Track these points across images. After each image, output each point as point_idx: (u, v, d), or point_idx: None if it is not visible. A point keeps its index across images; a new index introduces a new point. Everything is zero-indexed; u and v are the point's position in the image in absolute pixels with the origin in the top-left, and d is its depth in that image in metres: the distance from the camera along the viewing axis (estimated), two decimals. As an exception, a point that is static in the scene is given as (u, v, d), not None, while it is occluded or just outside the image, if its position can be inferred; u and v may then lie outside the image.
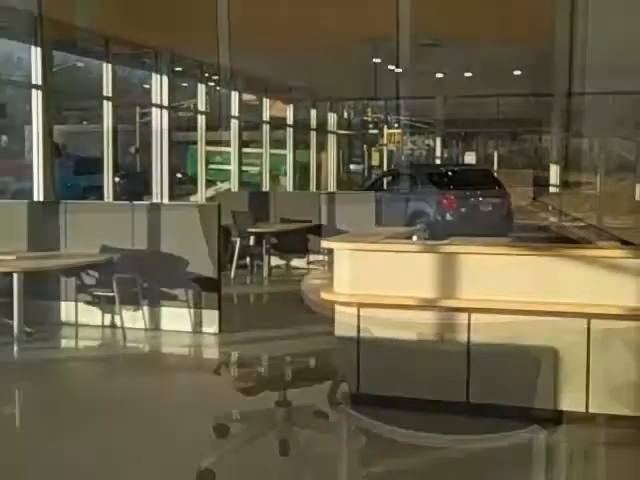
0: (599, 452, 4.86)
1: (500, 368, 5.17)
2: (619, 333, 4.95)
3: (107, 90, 12.58)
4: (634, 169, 20.48)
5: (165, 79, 13.89)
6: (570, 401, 5.05)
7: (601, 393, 5.00)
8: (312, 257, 13.10)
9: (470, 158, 24.87)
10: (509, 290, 5.12)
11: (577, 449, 4.86)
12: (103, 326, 8.15)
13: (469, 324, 5.18)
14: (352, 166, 25.46)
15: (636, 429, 4.92)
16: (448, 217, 15.85)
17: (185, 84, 17.68)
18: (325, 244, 5.69)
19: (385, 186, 18.15)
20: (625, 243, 5.57)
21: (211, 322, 7.91)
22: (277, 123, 19.27)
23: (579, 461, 4.82)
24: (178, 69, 15.53)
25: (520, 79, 16.24)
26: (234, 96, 16.53)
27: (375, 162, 23.43)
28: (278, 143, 19.49)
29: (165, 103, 13.92)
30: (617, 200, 22.55)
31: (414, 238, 8.30)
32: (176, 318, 7.96)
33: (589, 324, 4.97)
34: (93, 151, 14.77)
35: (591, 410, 5.01)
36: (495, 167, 20.43)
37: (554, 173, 19.65)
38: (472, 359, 5.19)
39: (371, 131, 23.61)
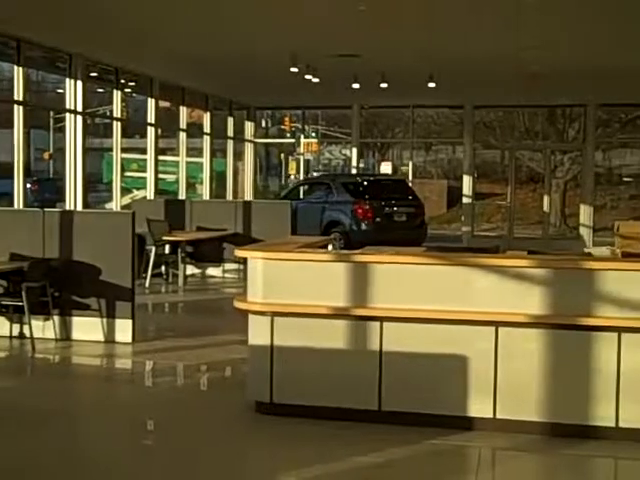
0: (506, 457, 4.97)
1: (412, 376, 5.24)
2: (525, 340, 5.08)
3: (18, 94, 12.29)
4: (542, 180, 21.00)
5: (80, 84, 13.65)
6: (479, 407, 5.15)
7: (508, 399, 5.12)
8: (227, 266, 13.07)
9: (386, 168, 25.16)
10: (421, 299, 5.20)
11: (485, 454, 4.97)
12: (11, 337, 7.96)
13: (381, 333, 5.25)
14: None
15: (540, 434, 5.05)
16: (363, 227, 15.99)
17: (101, 90, 17.42)
18: (239, 253, 5.68)
19: (301, 195, 18.23)
20: (531, 253, 5.71)
21: (124, 331, 7.81)
22: (194, 131, 19.15)
23: (487, 466, 4.92)
24: (93, 74, 15.28)
25: (434, 91, 16.50)
26: (150, 103, 16.34)
27: (292, 171, 23.47)
28: (195, 151, 19.37)
29: (79, 109, 13.67)
30: (527, 211, 23.15)
31: (329, 247, 8.37)
32: (88, 328, 7.82)
33: (497, 332, 5.10)
34: (3, 156, 14.41)
35: (499, 416, 5.12)
36: (410, 177, 20.67)
37: (467, 184, 20.01)
38: (384, 367, 5.25)
39: (288, 140, 23.67)
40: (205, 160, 19.02)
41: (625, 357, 4.92)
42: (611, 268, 5.02)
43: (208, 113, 18.91)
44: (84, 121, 13.92)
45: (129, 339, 7.80)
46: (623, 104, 20.34)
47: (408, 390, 5.26)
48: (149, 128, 16.39)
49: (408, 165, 21.43)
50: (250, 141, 21.58)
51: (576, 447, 4.94)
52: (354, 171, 20.65)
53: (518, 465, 4.85)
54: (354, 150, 20.98)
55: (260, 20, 11.31)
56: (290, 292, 5.37)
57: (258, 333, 5.46)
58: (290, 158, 23.67)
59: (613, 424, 4.97)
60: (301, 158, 22.57)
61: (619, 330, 4.92)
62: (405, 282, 5.26)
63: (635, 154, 23.17)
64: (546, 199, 20.25)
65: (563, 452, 4.91)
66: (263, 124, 24.34)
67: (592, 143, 19.43)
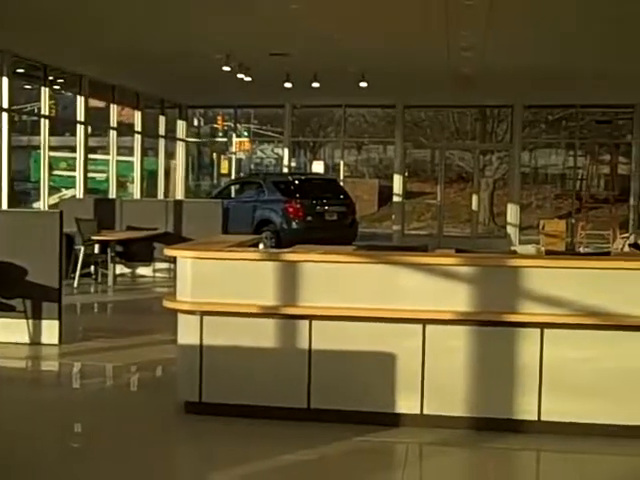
0: (433, 452, 5.05)
1: (341, 374, 5.28)
2: (452, 337, 5.17)
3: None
4: (471, 179, 21.33)
5: (5, 80, 13.37)
6: (407, 404, 5.22)
7: (435, 395, 5.20)
8: (158, 265, 12.97)
9: (318, 167, 25.24)
10: (350, 297, 5.25)
11: (412, 450, 5.04)
12: None
13: (310, 331, 5.28)
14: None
15: (467, 429, 5.15)
16: (294, 225, 16.03)
17: (29, 86, 17.08)
18: (168, 252, 5.65)
19: (233, 194, 18.18)
20: (459, 251, 5.80)
21: (51, 333, 7.67)
22: (125, 129, 18.93)
23: (415, 461, 4.99)
24: (20, 71, 14.98)
25: (366, 90, 16.63)
26: (80, 101, 16.09)
27: (224, 170, 23.38)
28: (126, 150, 19.15)
29: (5, 105, 13.39)
30: (456, 209, 23.49)
31: (260, 246, 8.37)
32: (13, 329, 7.66)
33: (424, 329, 5.17)
34: None
35: (426, 412, 5.20)
36: (341, 176, 20.79)
37: (397, 183, 20.21)
38: (313, 365, 5.28)
39: (220, 139, 23.57)
40: (136, 159, 18.82)
41: (547, 352, 5.05)
42: (534, 265, 5.14)
43: (139, 111, 18.71)
44: (10, 118, 13.64)
45: (56, 341, 7.67)
46: (548, 105, 20.82)
47: (337, 388, 5.29)
48: (78, 126, 16.15)
49: (340, 164, 21.53)
50: (182, 140, 21.42)
51: (501, 441, 5.04)
52: (286, 170, 20.67)
53: (445, 460, 4.92)
54: (286, 149, 21.01)
55: (192, 18, 11.25)
56: (219, 291, 5.36)
57: (187, 332, 5.44)
58: (222, 157, 23.58)
59: (536, 417, 5.09)
60: (233, 157, 22.50)
61: (542, 326, 5.04)
62: (334, 281, 5.30)
63: (560, 154, 23.71)
64: (475, 198, 20.58)
65: (489, 446, 5.00)
66: (195, 123, 24.19)
67: (519, 143, 19.82)
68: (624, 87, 16.85)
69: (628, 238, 16.43)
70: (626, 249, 15.70)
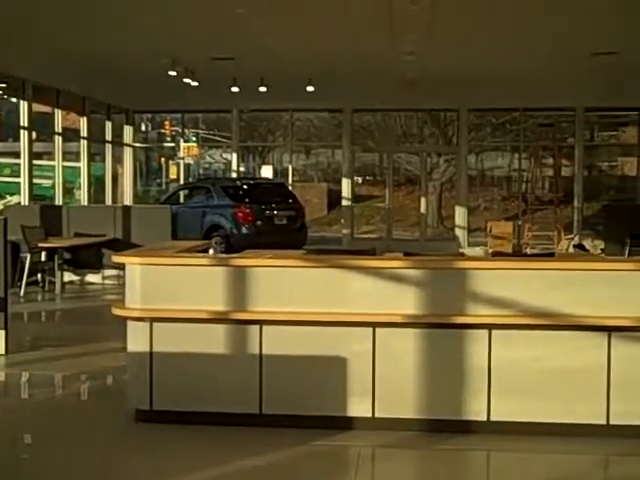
0: (385, 455, 5.08)
1: (292, 378, 5.29)
2: (402, 340, 5.21)
3: None
4: (419, 183, 21.50)
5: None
6: (358, 407, 5.25)
7: (386, 398, 5.23)
8: (107, 272, 12.84)
9: (267, 172, 25.23)
10: (300, 301, 5.25)
11: (364, 453, 5.06)
12: None
13: (261, 336, 5.27)
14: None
15: (418, 431, 5.19)
16: (244, 230, 16.02)
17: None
18: (116, 259, 5.60)
19: (182, 200, 18.08)
20: (407, 254, 5.85)
21: (-4, 343, 7.55)
22: (70, 135, 18.69)
23: (367, 464, 5.02)
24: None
25: (313, 95, 16.69)
26: (23, 106, 15.85)
27: (173, 176, 23.24)
28: (72, 155, 18.91)
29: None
30: (405, 212, 23.65)
31: (210, 251, 8.34)
32: (-44, 339, 7.52)
33: (374, 332, 5.20)
34: None
35: (377, 415, 5.23)
36: (290, 180, 20.82)
37: (346, 186, 20.29)
38: (264, 371, 5.28)
39: (168, 144, 23.41)
40: (83, 164, 18.58)
41: (495, 353, 5.11)
42: (481, 267, 5.20)
43: (85, 116, 18.49)
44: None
45: (2, 350, 7.54)
46: (492, 109, 21.10)
47: (289, 393, 5.30)
48: (22, 131, 15.89)
49: (288, 168, 21.53)
50: (129, 145, 21.22)
51: (452, 442, 5.09)
52: (235, 175, 20.63)
53: (396, 462, 4.95)
54: (234, 154, 20.96)
55: (135, 22, 11.18)
56: (169, 297, 5.33)
57: (137, 340, 5.40)
58: (171, 162, 23.44)
59: (485, 418, 5.16)
60: (181, 162, 22.37)
61: (489, 327, 5.11)
62: (284, 285, 5.30)
63: (505, 157, 24.04)
64: (423, 201, 20.76)
65: (439, 447, 5.05)
66: (143, 128, 24.00)
67: (465, 146, 20.04)
68: (565, 90, 17.18)
69: (573, 239, 16.74)
70: (571, 250, 16.01)
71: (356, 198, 21.66)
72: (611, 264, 5.50)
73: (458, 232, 19.95)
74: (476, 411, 5.17)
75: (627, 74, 15.01)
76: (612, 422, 5.07)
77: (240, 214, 16.09)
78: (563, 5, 10.06)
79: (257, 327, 5.27)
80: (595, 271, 5.20)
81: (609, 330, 5.05)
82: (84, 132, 18.47)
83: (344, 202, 20.37)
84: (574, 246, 15.77)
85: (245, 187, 17.37)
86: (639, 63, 13.86)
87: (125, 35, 12.02)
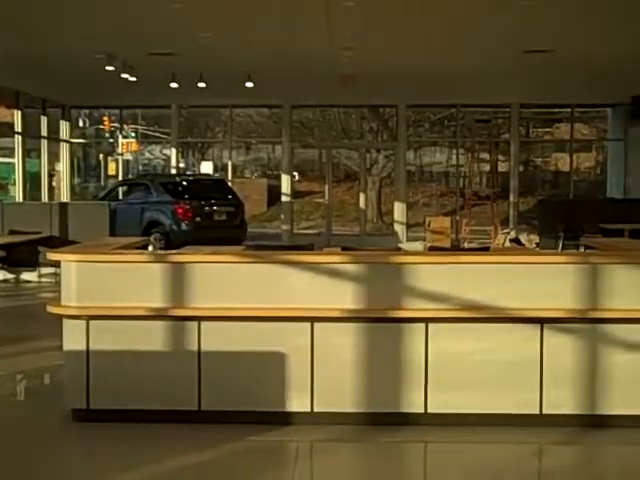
0: (324, 449, 5.11)
1: (231, 375, 5.29)
2: (340, 334, 5.25)
3: None
4: (359, 178, 21.62)
5: None
6: (297, 402, 5.27)
7: (325, 392, 5.26)
8: (44, 270, 12.65)
9: (207, 168, 25.09)
10: (239, 297, 5.25)
11: (303, 448, 5.09)
12: None
13: (199, 332, 5.26)
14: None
15: (357, 424, 5.23)
16: (183, 226, 15.92)
17: None
18: (51, 256, 5.52)
19: (120, 196, 17.88)
20: (346, 249, 5.89)
21: None
22: (4, 130, 18.33)
23: (306, 459, 5.05)
24: None
25: (252, 90, 16.66)
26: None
27: (111, 172, 22.96)
28: (7, 151, 18.56)
29: None
30: (345, 208, 23.76)
31: (150, 248, 8.28)
32: None
33: (312, 327, 5.23)
34: None
35: (316, 409, 5.26)
36: (230, 176, 20.75)
37: (285, 182, 20.30)
38: (203, 367, 5.27)
39: (107, 140, 23.13)
40: (17, 160, 18.24)
41: (432, 346, 5.19)
42: (418, 262, 5.26)
43: (19, 111, 18.14)
44: None
45: None
46: (430, 105, 21.32)
47: (228, 389, 5.30)
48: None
49: (227, 164, 21.44)
50: (66, 141, 20.90)
51: (390, 434, 5.14)
52: (175, 171, 20.49)
53: (335, 456, 4.99)
54: (174, 150, 20.80)
55: (70, 16, 11.02)
56: (106, 295, 5.28)
57: (73, 338, 5.34)
58: (109, 158, 23.15)
59: (422, 410, 5.23)
60: (120, 158, 22.12)
61: (426, 321, 5.18)
62: (222, 281, 5.30)
63: (443, 152, 24.32)
64: (362, 197, 20.88)
65: (378, 440, 5.10)
66: (80, 123, 23.65)
67: (404, 142, 20.20)
68: (501, 87, 17.46)
69: (509, 233, 17.05)
70: (507, 244, 16.32)
71: (296, 194, 21.68)
72: (544, 257, 5.63)
73: (397, 227, 20.11)
74: (414, 403, 5.24)
75: (560, 72, 15.31)
76: (545, 412, 5.19)
77: (179, 210, 15.98)
78: (498, 3, 10.22)
79: (195, 323, 5.26)
80: (528, 264, 5.30)
81: (542, 322, 5.16)
82: (18, 127, 18.13)
83: (284, 198, 20.37)
84: (510, 240, 16.08)
85: (184, 183, 17.28)
86: (572, 61, 14.15)
87: (59, 30, 11.84)
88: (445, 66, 14.67)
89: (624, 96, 18.68)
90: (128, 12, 10.75)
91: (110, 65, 13.87)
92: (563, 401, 5.19)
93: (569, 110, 20.39)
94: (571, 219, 14.20)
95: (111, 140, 22.66)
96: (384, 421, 5.24)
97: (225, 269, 5.33)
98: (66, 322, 5.37)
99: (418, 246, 5.80)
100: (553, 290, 5.16)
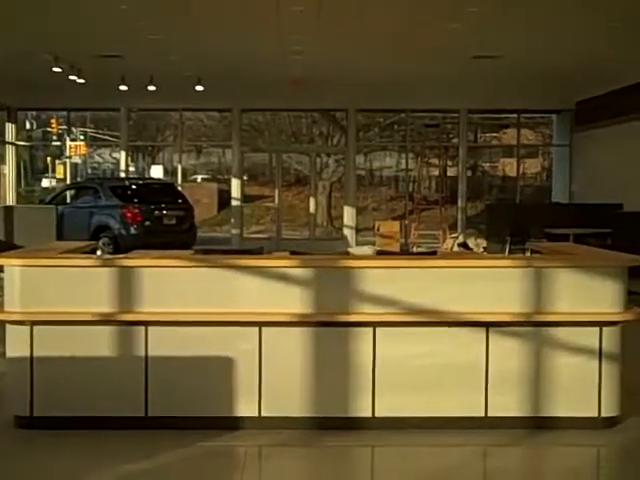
0: (271, 454, 5.11)
1: (179, 380, 5.25)
2: (288, 339, 5.25)
3: None
4: (309, 183, 21.66)
5: None
6: (245, 407, 5.26)
7: (273, 397, 5.26)
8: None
9: (157, 171, 24.92)
10: (187, 302, 5.22)
11: (251, 452, 5.08)
12: None
13: (147, 337, 5.22)
14: (45, 181, 24.55)
15: (305, 429, 5.24)
16: (132, 231, 15.78)
17: None
18: (-6, 261, 5.43)
19: (68, 200, 17.66)
20: (294, 253, 5.89)
21: None
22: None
23: (254, 464, 5.04)
24: None
25: (203, 94, 16.59)
26: None
27: (59, 175, 22.67)
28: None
29: None
30: (295, 212, 23.78)
31: (98, 252, 8.18)
32: None
33: (260, 332, 5.22)
34: None
35: (264, 414, 5.25)
36: (180, 180, 20.62)
37: (235, 186, 20.24)
38: (150, 372, 5.22)
39: (55, 143, 22.83)
40: (-40, 163, 17.93)
41: (379, 350, 5.21)
42: (365, 266, 5.29)
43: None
44: None
45: None
46: (380, 109, 21.45)
47: (175, 394, 5.26)
48: None
49: (177, 168, 21.32)
50: (12, 143, 20.58)
51: (338, 439, 5.15)
52: (124, 175, 20.31)
53: (283, 461, 4.98)
54: (123, 153, 20.61)
55: (18, 17, 10.86)
56: (51, 300, 5.20)
57: (16, 344, 5.25)
58: (57, 162, 22.86)
59: (370, 414, 5.25)
60: (68, 162, 21.86)
61: (374, 325, 5.21)
62: (170, 285, 5.26)
63: (393, 157, 24.49)
64: (312, 201, 20.91)
65: (325, 444, 5.11)
66: (27, 126, 23.33)
67: (354, 146, 20.28)
68: (449, 92, 17.64)
69: (457, 238, 17.21)
70: (455, 248, 16.46)
71: (246, 198, 21.64)
72: (489, 261, 5.70)
73: (347, 231, 20.16)
74: (361, 408, 5.26)
75: (507, 78, 15.53)
76: (490, 414, 5.25)
77: (128, 214, 15.84)
78: (445, 8, 10.32)
79: (143, 328, 5.21)
80: (475, 268, 5.36)
81: (487, 325, 5.22)
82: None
83: (234, 202, 20.31)
84: (458, 245, 16.22)
85: (134, 187, 17.14)
86: (518, 67, 14.36)
87: (5, 31, 11.66)
88: (395, 71, 14.77)
89: (568, 102, 19.04)
90: (76, 13, 10.63)
91: (57, 67, 13.69)
92: (508, 403, 5.26)
93: (516, 116, 20.68)
94: (518, 224, 14.38)
95: (59, 143, 22.38)
96: (332, 425, 5.24)
97: (173, 273, 5.29)
98: (9, 328, 5.29)
99: (367, 250, 5.81)
100: (499, 294, 5.22)
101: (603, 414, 5.29)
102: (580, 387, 5.28)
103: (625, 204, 15.51)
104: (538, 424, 5.27)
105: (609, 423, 5.31)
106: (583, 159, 19.08)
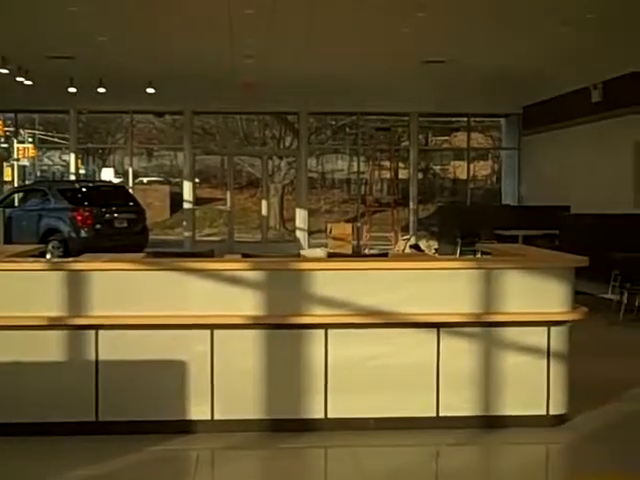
0: (224, 457, 5.09)
1: (130, 384, 5.21)
2: (241, 341, 5.24)
3: None
4: (261, 185, 21.64)
5: None
6: (197, 410, 5.23)
7: (225, 400, 5.25)
8: None
9: (108, 174, 24.67)
10: (139, 305, 5.18)
11: (203, 456, 5.06)
12: None
13: (97, 341, 5.17)
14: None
15: (259, 431, 5.23)
16: (83, 234, 15.61)
17: None
18: (-61, 265, 5.32)
19: (16, 203, 17.40)
20: (246, 256, 5.89)
21: None
22: None
23: (206, 467, 5.01)
24: None
25: (154, 97, 16.49)
26: None
27: (7, 177, 22.32)
28: None
29: None
30: (247, 215, 23.73)
31: (48, 256, 8.07)
32: None
33: (212, 335, 5.21)
34: None
35: (217, 417, 5.24)
36: (131, 183, 20.45)
37: (187, 189, 20.12)
38: (101, 377, 5.17)
39: (2, 145, 22.47)
40: None
41: (331, 352, 5.23)
42: (317, 268, 5.30)
43: None
44: None
45: None
46: (331, 112, 21.52)
47: (127, 398, 5.21)
48: None
49: (128, 170, 21.14)
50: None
51: (291, 440, 5.15)
52: (74, 177, 20.07)
53: (236, 464, 4.97)
54: (73, 156, 20.37)
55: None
56: (-1, 304, 5.13)
57: (-39, 350, 5.15)
58: (5, 164, 22.51)
59: (323, 415, 5.26)
60: (16, 164, 21.54)
61: (326, 327, 5.22)
62: (121, 289, 5.21)
63: (345, 160, 24.58)
64: (264, 203, 20.88)
65: (279, 446, 5.11)
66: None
67: (305, 149, 20.31)
68: (400, 96, 17.77)
69: (409, 240, 17.35)
70: (407, 250, 16.58)
71: (198, 201, 21.53)
72: (440, 263, 5.75)
73: (299, 234, 20.17)
74: (314, 409, 5.26)
75: (457, 82, 15.70)
76: (442, 414, 5.30)
77: (79, 217, 15.66)
78: (396, 13, 10.39)
79: (93, 332, 5.16)
80: (425, 270, 5.40)
81: (438, 326, 5.27)
82: None
83: (186, 205, 20.20)
84: (410, 246, 16.35)
85: (84, 190, 16.95)
86: (467, 72, 14.52)
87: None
88: (346, 74, 14.83)
89: (516, 106, 19.32)
90: (24, 14, 10.49)
91: (4, 68, 13.50)
92: (459, 403, 5.31)
93: (466, 119, 20.90)
94: (468, 226, 14.56)
95: (6, 145, 22.02)
96: (285, 427, 5.25)
97: (124, 277, 5.25)
98: (-45, 334, 5.19)
99: (319, 253, 5.85)
100: (449, 295, 5.28)
101: (551, 412, 5.37)
102: (529, 386, 5.36)
103: (572, 206, 15.78)
104: (489, 423, 5.33)
105: (557, 420, 5.40)
106: (531, 162, 19.37)
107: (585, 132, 16.10)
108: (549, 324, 5.33)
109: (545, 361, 5.35)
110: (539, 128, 18.44)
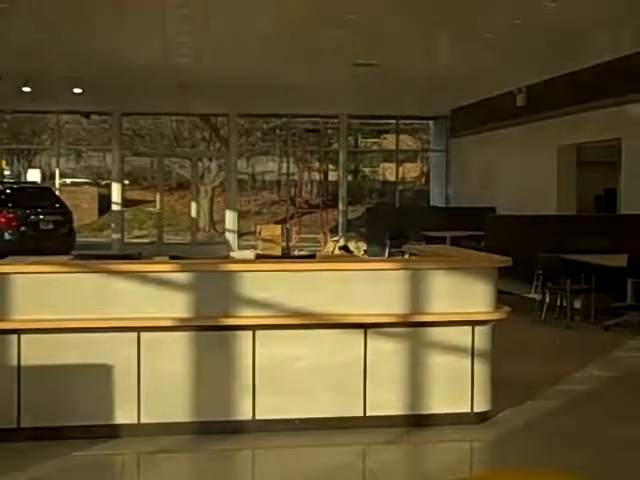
0: (151, 461, 5.04)
1: (54, 389, 5.12)
2: (168, 343, 5.20)
3: None
4: (191, 187, 21.50)
5: None
6: (123, 414, 5.18)
7: (153, 403, 5.20)
8: None
9: (34, 175, 24.20)
10: (63, 309, 5.10)
11: (129, 460, 5.01)
12: None
13: (19, 346, 5.07)
14: None
15: (188, 434, 5.20)
16: (7, 236, 15.30)
17: None
18: None
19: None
20: (174, 258, 5.85)
21: None
22: None
23: (132, 472, 4.96)
24: None
25: (81, 97, 16.23)
26: None
27: None
28: None
29: None
30: (177, 217, 23.55)
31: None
32: None
33: (139, 337, 5.16)
34: None
35: (143, 420, 5.19)
36: (57, 184, 20.09)
37: (116, 191, 19.86)
38: (23, 383, 5.07)
39: None
40: None
41: (259, 353, 5.23)
42: (244, 270, 5.30)
43: None
44: None
45: None
46: (261, 114, 21.50)
47: (50, 404, 5.13)
48: None
49: (55, 172, 20.77)
50: None
51: (219, 443, 5.14)
52: (-2, 179, 19.64)
53: (163, 467, 4.92)
54: (-4, 156, 19.94)
55: None
56: None
57: None
58: None
59: (251, 417, 5.27)
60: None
61: (253, 328, 5.23)
62: (46, 292, 5.13)
63: (275, 161, 24.58)
64: (194, 205, 20.75)
65: (207, 449, 5.10)
66: None
67: (235, 151, 20.24)
68: (329, 98, 17.85)
69: (338, 241, 17.44)
70: (336, 251, 16.68)
71: (127, 203, 21.28)
72: (367, 264, 5.81)
73: (229, 235, 20.09)
74: (243, 411, 5.26)
75: (386, 84, 15.83)
76: (368, 413, 5.35)
77: (2, 219, 15.33)
78: (326, 14, 10.44)
79: (15, 336, 5.06)
80: (352, 271, 5.45)
81: (365, 327, 5.32)
82: None
83: (114, 207, 19.93)
84: (339, 248, 16.45)
85: (8, 191, 16.60)
86: (396, 74, 14.66)
87: None
88: (276, 76, 14.82)
89: (444, 109, 19.60)
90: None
91: None
92: (386, 403, 5.37)
93: (395, 122, 21.10)
94: (397, 227, 14.70)
95: None
96: (213, 430, 5.23)
97: (47, 279, 5.16)
98: None
99: (248, 254, 5.86)
100: (377, 296, 5.33)
101: (475, 409, 5.48)
102: (454, 384, 5.45)
103: (498, 208, 16.08)
104: (416, 422, 5.41)
105: (481, 418, 5.50)
106: (458, 164, 19.67)
107: (511, 135, 16.42)
108: (473, 324, 5.43)
109: (469, 360, 5.45)
110: (466, 131, 18.74)
